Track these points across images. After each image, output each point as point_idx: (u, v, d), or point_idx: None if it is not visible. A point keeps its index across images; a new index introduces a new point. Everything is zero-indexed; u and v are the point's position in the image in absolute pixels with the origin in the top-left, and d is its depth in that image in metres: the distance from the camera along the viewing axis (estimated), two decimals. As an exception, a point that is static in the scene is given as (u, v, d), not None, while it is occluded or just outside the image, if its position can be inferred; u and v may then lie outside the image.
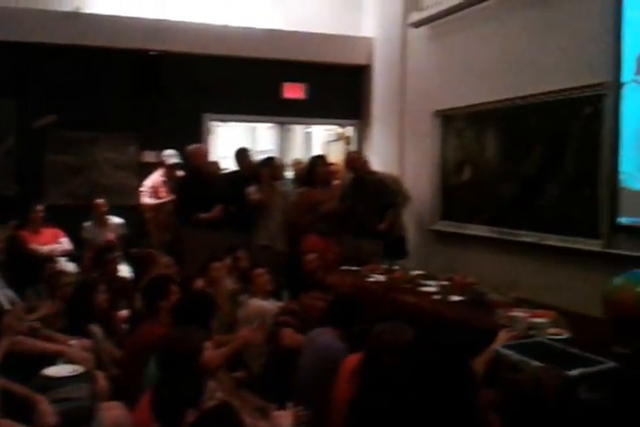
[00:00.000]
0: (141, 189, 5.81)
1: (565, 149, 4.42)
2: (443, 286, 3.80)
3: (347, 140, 7.37)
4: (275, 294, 4.27)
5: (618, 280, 2.53)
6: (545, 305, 3.30)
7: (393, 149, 6.56)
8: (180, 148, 5.75)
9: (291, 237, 5.44)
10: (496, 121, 5.14)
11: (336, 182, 5.96)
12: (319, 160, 5.91)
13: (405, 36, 6.35)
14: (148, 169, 6.00)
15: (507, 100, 4.95)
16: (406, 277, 4.17)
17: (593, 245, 4.17)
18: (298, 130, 9.08)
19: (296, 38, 6.60)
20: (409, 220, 5.93)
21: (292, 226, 5.48)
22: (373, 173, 5.59)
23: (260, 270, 4.17)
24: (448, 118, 5.77)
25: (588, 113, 4.22)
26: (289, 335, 3.50)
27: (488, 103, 5.17)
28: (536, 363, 2.29)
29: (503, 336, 2.70)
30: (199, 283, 3.83)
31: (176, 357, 2.29)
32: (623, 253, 3.95)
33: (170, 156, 5.80)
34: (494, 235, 5.12)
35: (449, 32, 5.76)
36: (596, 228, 4.17)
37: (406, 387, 1.95)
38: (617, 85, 3.96)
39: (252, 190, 5.37)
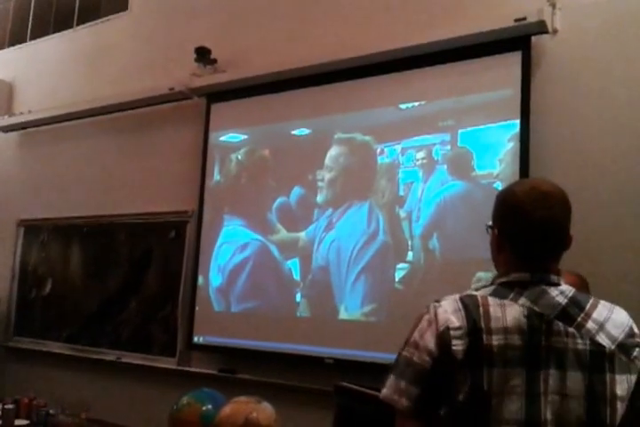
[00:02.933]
0: None
1: (150, 269, 4.61)
2: (7, 410, 3.51)
3: None
4: None
5: (184, 399, 2.56)
6: (116, 426, 3.27)
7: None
8: None
9: None
10: (83, 237, 5.13)
11: None
12: None
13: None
14: None
15: (96, 216, 5.02)
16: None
17: (169, 363, 4.33)
18: None
19: None
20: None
21: None
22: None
23: None
24: (33, 229, 5.55)
25: (172, 237, 4.52)
26: None
27: (76, 218, 5.15)
28: None
29: None
30: None
31: None
32: (195, 370, 4.20)
33: None
34: (73, 353, 4.93)
35: (42, 142, 5.67)
36: (173, 346, 4.35)
37: None
38: (200, 214, 4.34)
39: None
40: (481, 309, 1.26)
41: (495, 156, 3.25)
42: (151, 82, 4.72)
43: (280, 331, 3.85)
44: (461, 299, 1.29)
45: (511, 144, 3.19)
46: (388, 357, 3.24)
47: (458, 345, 1.23)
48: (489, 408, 1.20)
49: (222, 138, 4.34)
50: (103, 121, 5.17)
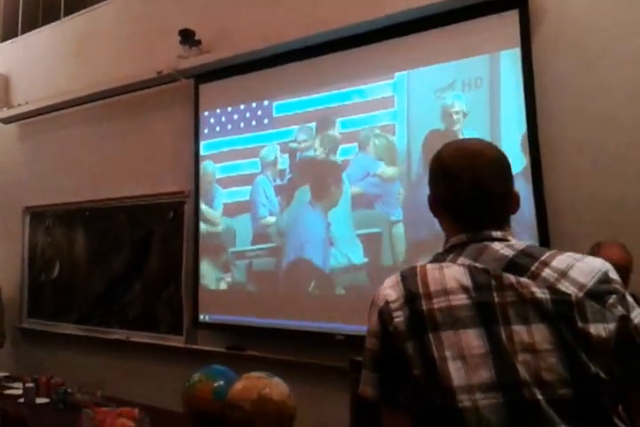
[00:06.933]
0: None
1: (151, 250, 4.71)
2: (28, 388, 3.65)
3: None
4: None
5: (196, 376, 2.54)
6: (131, 403, 3.35)
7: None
8: None
9: None
10: (86, 220, 5.26)
11: None
12: None
13: (-6, 128, 6.14)
14: None
15: (97, 200, 5.14)
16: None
17: (177, 342, 4.44)
18: None
19: None
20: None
21: None
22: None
23: None
24: (38, 215, 5.69)
25: (170, 217, 4.60)
26: None
27: (78, 202, 5.28)
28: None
29: None
30: None
31: None
32: (203, 348, 4.29)
33: None
34: (83, 333, 5.10)
35: (41, 131, 5.78)
36: (180, 325, 4.44)
37: None
38: (196, 193, 4.41)
39: None
40: (418, 276, 1.21)
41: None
42: (139, 66, 4.77)
43: (286, 308, 3.85)
44: (401, 272, 1.26)
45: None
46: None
47: (399, 317, 1.18)
48: (449, 376, 1.11)
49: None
50: (96, 107, 5.26)
